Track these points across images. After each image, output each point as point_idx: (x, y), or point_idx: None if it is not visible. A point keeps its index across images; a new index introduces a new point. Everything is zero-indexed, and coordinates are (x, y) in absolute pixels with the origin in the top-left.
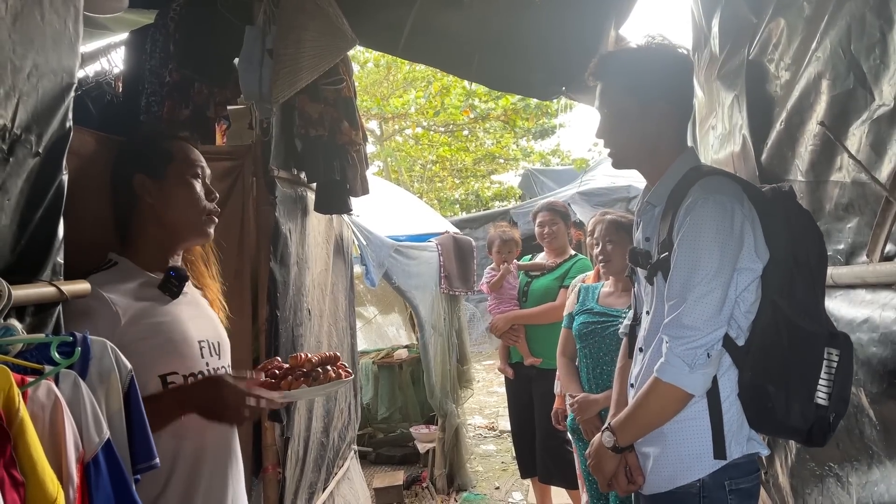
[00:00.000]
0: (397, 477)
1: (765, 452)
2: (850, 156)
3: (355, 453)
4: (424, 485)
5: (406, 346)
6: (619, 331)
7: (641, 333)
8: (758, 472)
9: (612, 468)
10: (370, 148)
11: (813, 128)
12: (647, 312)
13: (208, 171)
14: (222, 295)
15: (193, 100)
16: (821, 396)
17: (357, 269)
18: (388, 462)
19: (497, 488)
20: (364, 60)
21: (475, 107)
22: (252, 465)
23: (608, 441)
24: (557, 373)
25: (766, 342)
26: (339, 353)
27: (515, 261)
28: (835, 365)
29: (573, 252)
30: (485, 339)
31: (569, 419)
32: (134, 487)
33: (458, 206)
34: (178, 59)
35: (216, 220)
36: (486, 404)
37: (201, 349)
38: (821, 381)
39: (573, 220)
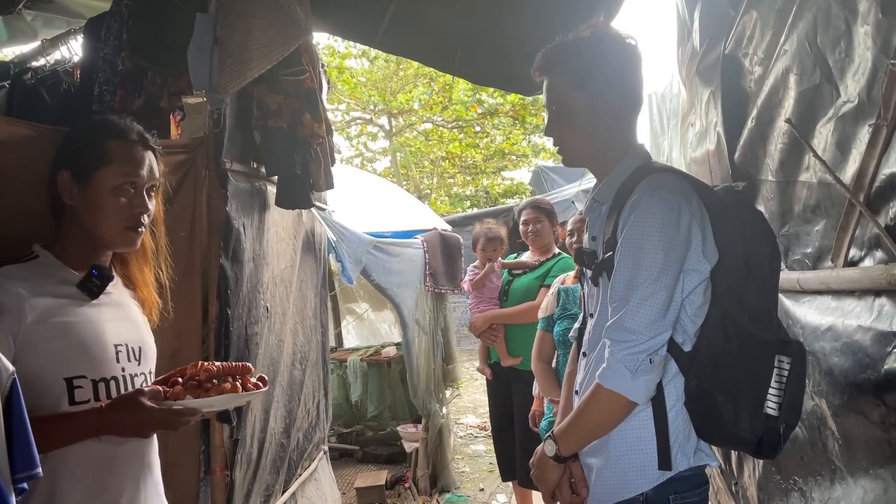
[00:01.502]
0: (380, 476)
1: (714, 464)
2: (815, 155)
3: (325, 454)
4: (407, 485)
5: (396, 344)
6: (570, 335)
7: (585, 337)
8: (706, 486)
9: (555, 479)
10: (381, 143)
11: (782, 125)
12: (592, 315)
13: (148, 177)
14: (170, 292)
15: (146, 89)
16: (770, 406)
17: (335, 265)
18: (375, 461)
19: (482, 490)
20: (374, 56)
21: (483, 102)
22: (201, 467)
23: (550, 450)
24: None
25: (713, 348)
26: (250, 365)
27: (500, 259)
28: (786, 373)
29: (557, 251)
30: None
31: (542, 424)
32: (12, 497)
33: (467, 202)
34: (130, 46)
35: (142, 230)
36: (480, 403)
37: (118, 353)
38: (771, 391)
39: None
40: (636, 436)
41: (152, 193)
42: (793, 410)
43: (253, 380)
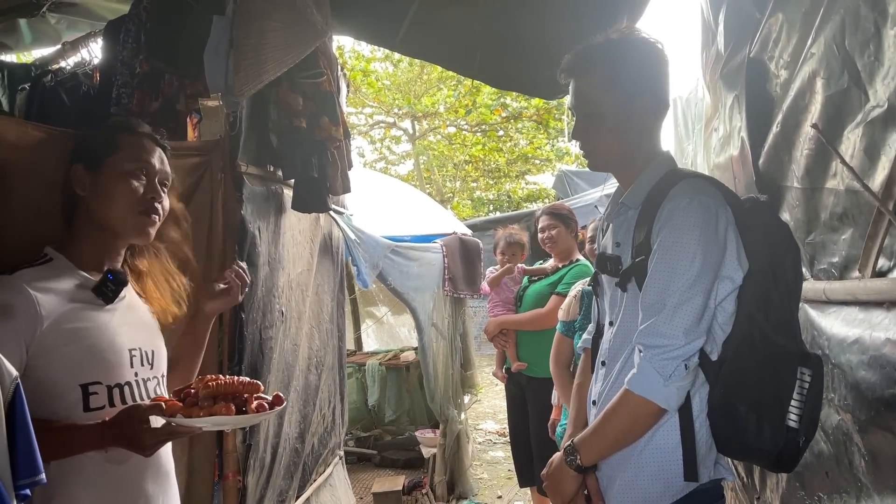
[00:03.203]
0: (397, 482)
1: (730, 479)
2: (843, 162)
3: (341, 459)
4: (424, 491)
5: (414, 348)
6: (578, 345)
7: (604, 346)
8: (723, 500)
9: (573, 490)
10: (404, 147)
11: (808, 131)
12: (611, 323)
13: (160, 169)
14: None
15: (163, 92)
16: (792, 419)
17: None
18: (392, 466)
19: (499, 497)
20: (398, 59)
21: (507, 106)
22: (214, 471)
23: (570, 460)
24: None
25: (740, 357)
26: (259, 384)
27: (521, 264)
28: (807, 386)
29: (578, 257)
30: None
31: (557, 432)
32: (13, 502)
33: (490, 206)
34: (148, 49)
35: (157, 219)
36: (500, 408)
37: (132, 358)
38: (792, 403)
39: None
40: (661, 446)
41: (165, 188)
42: (812, 424)
43: (268, 398)
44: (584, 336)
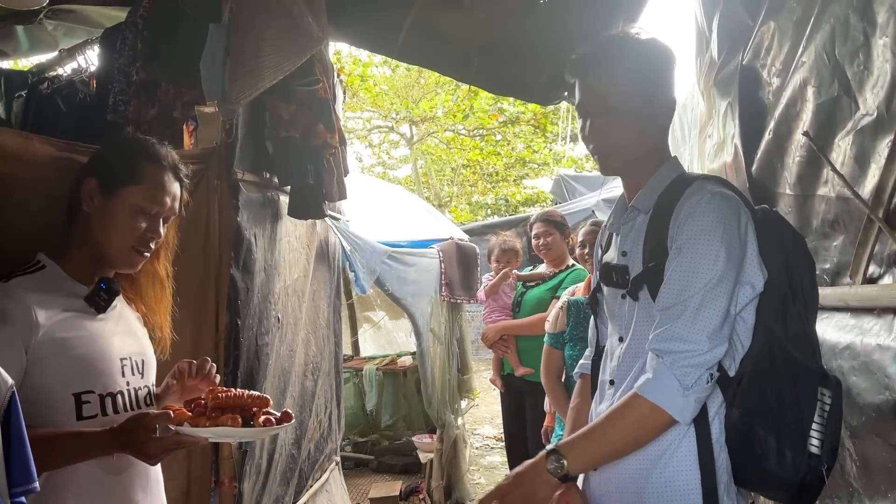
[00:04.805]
0: (395, 487)
1: None
2: (833, 169)
3: (338, 465)
4: (422, 496)
5: (412, 353)
6: (574, 372)
7: (611, 364)
8: None
9: (544, 500)
10: (402, 151)
11: (800, 138)
12: (621, 339)
13: (170, 207)
14: (178, 310)
15: (160, 99)
16: (814, 444)
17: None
18: (390, 471)
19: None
20: (396, 64)
21: (504, 110)
22: (211, 478)
23: (554, 466)
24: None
25: (758, 374)
26: (268, 397)
27: (515, 271)
28: (827, 408)
29: (572, 262)
30: None
31: (553, 440)
32: None
33: (487, 210)
34: (144, 57)
35: (147, 255)
36: (497, 413)
37: (123, 367)
38: (814, 426)
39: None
40: (676, 476)
41: (167, 222)
42: (833, 450)
43: (276, 413)
44: (582, 361)
